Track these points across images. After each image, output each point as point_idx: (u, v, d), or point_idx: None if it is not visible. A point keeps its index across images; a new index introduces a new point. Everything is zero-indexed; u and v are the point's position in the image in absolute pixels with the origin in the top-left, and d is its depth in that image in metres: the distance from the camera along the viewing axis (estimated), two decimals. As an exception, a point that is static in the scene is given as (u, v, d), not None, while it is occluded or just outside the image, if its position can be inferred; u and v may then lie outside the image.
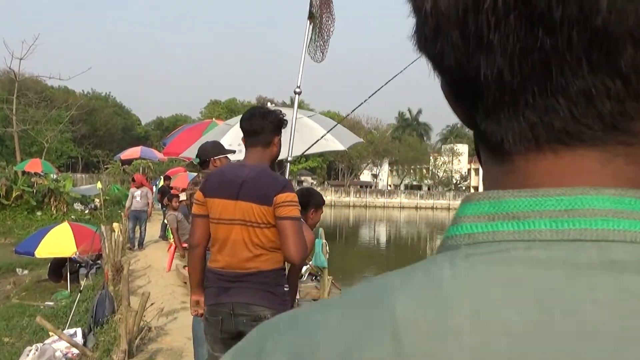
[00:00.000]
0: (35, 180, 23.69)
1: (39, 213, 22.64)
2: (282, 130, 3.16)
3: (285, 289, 2.99)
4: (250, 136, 3.08)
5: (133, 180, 15.03)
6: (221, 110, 70.14)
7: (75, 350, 6.01)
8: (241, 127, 3.12)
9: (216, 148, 4.67)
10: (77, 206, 24.42)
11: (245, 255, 2.92)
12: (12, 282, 13.09)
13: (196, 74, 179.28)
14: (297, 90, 4.75)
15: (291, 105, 4.89)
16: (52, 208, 23.02)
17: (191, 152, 6.54)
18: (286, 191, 2.89)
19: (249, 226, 2.90)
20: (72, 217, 22.46)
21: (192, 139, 7.86)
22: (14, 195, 22.31)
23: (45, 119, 33.57)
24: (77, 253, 10.53)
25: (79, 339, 6.41)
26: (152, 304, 6.35)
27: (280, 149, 3.20)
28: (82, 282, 7.68)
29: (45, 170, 23.53)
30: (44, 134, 33.66)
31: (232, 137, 5.62)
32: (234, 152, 4.90)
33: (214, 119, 12.24)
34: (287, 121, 3.23)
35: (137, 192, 14.06)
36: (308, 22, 4.71)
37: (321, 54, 4.82)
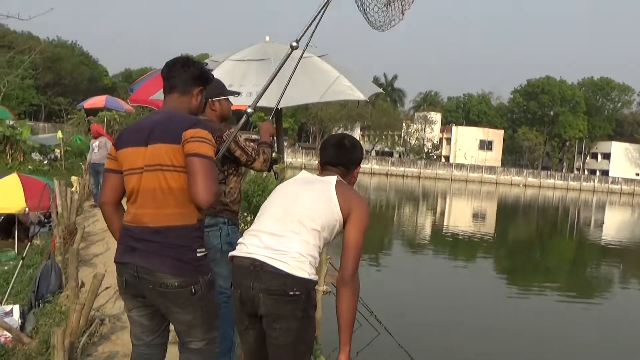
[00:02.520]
0: (-12, 126, 21.90)
1: (-8, 161, 20.98)
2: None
3: (198, 253, 2.76)
4: (168, 84, 3.00)
5: (89, 130, 13.50)
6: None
7: (8, 334, 4.80)
8: (161, 74, 3.04)
9: (215, 87, 3.65)
10: (35, 156, 22.81)
11: (153, 205, 2.74)
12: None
13: (170, 28, 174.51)
14: (294, 44, 3.54)
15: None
16: (7, 156, 21.38)
17: (162, 96, 5.27)
18: (197, 127, 2.76)
19: (159, 170, 2.73)
20: (30, 167, 21.03)
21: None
22: (-36, 141, 20.59)
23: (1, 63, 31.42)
24: (27, 209, 9.20)
25: (14, 318, 5.20)
26: (107, 288, 5.13)
27: (201, 104, 3.09)
28: (28, 245, 6.33)
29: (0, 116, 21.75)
30: (2, 78, 31.66)
31: (220, 75, 4.43)
32: (238, 94, 4.11)
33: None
34: (211, 76, 3.13)
35: (95, 143, 12.50)
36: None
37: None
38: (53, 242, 6.26)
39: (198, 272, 2.74)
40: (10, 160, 21.27)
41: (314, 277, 2.69)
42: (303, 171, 3.07)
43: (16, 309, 5.38)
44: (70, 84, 69.54)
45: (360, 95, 4.67)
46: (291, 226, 2.73)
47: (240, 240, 2.85)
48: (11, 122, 22.32)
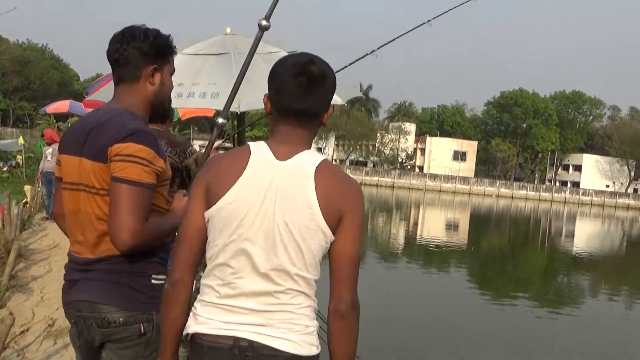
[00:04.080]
0: (-55, 131, 21.06)
1: (-50, 168, 20.13)
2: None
3: (154, 280, 2.18)
4: (114, 69, 2.27)
5: (42, 136, 12.75)
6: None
7: None
8: (107, 56, 2.27)
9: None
10: (-6, 163, 21.99)
11: (93, 234, 2.15)
12: None
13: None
14: (264, 23, 3.03)
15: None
16: (-35, 163, 20.55)
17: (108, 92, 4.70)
18: (128, 140, 2.07)
19: (90, 193, 2.15)
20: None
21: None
22: None
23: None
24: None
25: None
26: (23, 332, 4.48)
27: (165, 88, 2.33)
28: None
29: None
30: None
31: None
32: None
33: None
34: (170, 45, 2.31)
35: (49, 150, 11.64)
36: None
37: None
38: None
39: (152, 305, 2.12)
40: (-33, 167, 20.44)
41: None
42: (253, 148, 1.88)
43: None
44: (40, 88, 68.15)
45: (337, 100, 4.15)
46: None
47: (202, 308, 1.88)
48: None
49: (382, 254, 19.51)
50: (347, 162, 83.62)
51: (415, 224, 34.21)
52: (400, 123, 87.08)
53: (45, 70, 70.16)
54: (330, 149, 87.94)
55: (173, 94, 3.78)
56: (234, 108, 4.11)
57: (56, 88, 71.03)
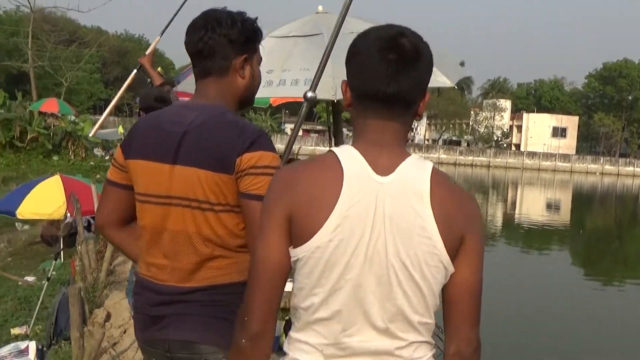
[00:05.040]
0: (51, 122, 21.82)
1: (55, 157, 20.83)
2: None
3: None
4: (197, 61, 1.91)
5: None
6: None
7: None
8: (186, 47, 1.93)
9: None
10: (98, 151, 22.64)
11: (191, 259, 1.79)
12: (7, 241, 11.22)
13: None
14: None
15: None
16: (70, 152, 21.27)
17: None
18: (257, 149, 1.74)
19: (195, 209, 1.77)
20: (91, 163, 20.83)
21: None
22: (29, 137, 20.50)
23: (64, 57, 31.52)
24: (68, 215, 8.50)
25: (30, 358, 4.39)
26: (122, 333, 4.22)
27: (255, 80, 1.99)
28: (51, 269, 5.43)
29: (61, 111, 21.58)
30: (64, 72, 31.83)
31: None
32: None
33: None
34: (258, 30, 1.95)
35: None
36: None
37: None
38: (72, 264, 5.40)
39: None
40: (72, 156, 21.14)
41: None
42: (343, 158, 1.42)
43: (32, 345, 4.55)
44: (137, 77, 70.67)
45: (445, 81, 3.57)
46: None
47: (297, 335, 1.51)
48: (73, 118, 22.18)
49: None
50: (440, 142, 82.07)
51: (513, 203, 33.23)
52: (494, 100, 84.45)
53: (142, 60, 72.80)
54: (422, 129, 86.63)
55: (262, 83, 3.51)
56: (329, 96, 3.67)
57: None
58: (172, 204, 1.82)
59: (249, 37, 1.93)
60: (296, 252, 1.41)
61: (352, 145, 1.45)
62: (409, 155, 1.46)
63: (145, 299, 1.91)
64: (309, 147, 57.54)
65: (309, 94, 2.76)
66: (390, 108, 1.43)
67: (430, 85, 2.89)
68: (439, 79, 3.51)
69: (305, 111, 2.85)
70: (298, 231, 1.40)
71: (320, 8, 4.53)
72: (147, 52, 4.22)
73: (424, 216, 1.38)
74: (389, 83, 1.39)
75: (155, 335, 1.87)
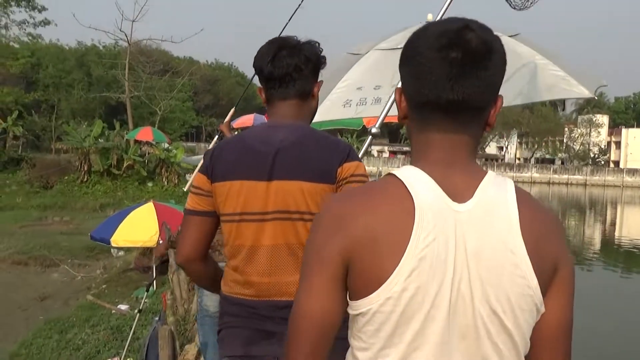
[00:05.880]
0: (146, 150, 22.59)
1: (150, 184, 21.56)
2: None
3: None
4: (281, 84, 1.99)
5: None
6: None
7: None
8: (262, 72, 2.00)
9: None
10: (189, 177, 23.13)
11: (293, 271, 1.85)
12: (103, 267, 11.52)
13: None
14: None
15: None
16: (163, 179, 21.91)
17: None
18: (354, 159, 1.91)
19: (297, 220, 1.86)
20: (184, 189, 21.30)
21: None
22: (125, 164, 21.32)
23: (158, 87, 32.80)
24: (160, 242, 8.53)
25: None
26: None
27: (317, 103, 2.16)
28: (144, 298, 5.34)
29: (156, 139, 22.27)
30: (158, 102, 33.12)
31: (364, 72, 3.21)
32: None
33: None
34: (324, 57, 2.07)
35: None
36: None
37: None
38: (163, 297, 5.32)
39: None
40: (165, 183, 21.72)
41: None
42: (410, 184, 1.14)
43: (123, 381, 4.45)
44: (227, 104, 72.67)
45: (583, 91, 3.16)
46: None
47: None
48: (166, 145, 22.84)
49: (576, 257, 17.67)
50: (532, 161, 79.36)
51: (613, 223, 31.34)
52: (590, 115, 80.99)
53: (232, 87, 75.00)
54: (513, 147, 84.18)
55: (365, 100, 3.48)
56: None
57: (242, 103, 75.36)
58: (266, 219, 1.88)
59: (323, 64, 2.08)
60: (358, 306, 1.13)
61: (413, 165, 1.19)
62: (485, 172, 1.18)
63: (243, 316, 1.93)
64: (395, 168, 57.13)
65: (374, 130, 2.89)
66: (455, 118, 1.16)
67: (566, 96, 2.50)
68: (575, 89, 3.10)
69: (368, 145, 3.01)
70: (359, 279, 1.12)
71: (429, 16, 4.16)
72: (224, 121, 4.55)
73: (515, 250, 1.12)
74: (452, 87, 1.12)
75: (266, 351, 1.89)
